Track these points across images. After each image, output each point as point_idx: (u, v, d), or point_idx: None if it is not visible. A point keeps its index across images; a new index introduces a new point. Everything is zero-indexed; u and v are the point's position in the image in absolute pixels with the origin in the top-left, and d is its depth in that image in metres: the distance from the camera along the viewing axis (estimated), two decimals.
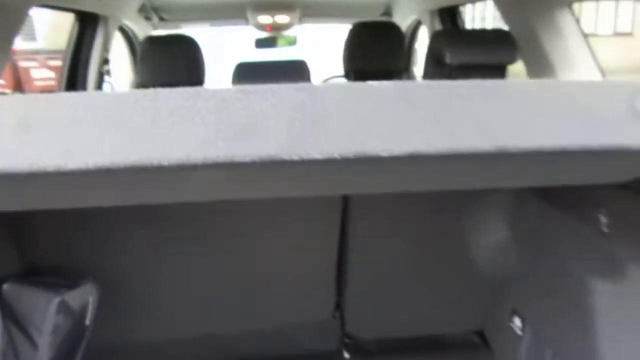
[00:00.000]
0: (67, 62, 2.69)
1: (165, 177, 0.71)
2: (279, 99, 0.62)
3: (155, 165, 0.57)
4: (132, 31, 3.41)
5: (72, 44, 2.70)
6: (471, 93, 0.66)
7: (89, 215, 1.70)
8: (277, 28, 3.71)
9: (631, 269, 1.36)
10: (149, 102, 0.60)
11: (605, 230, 1.33)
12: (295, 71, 2.12)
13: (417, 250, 1.96)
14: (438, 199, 1.84)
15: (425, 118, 0.63)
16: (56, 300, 1.41)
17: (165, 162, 0.57)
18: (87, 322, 1.59)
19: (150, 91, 0.60)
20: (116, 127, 0.57)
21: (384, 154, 0.60)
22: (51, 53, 8.60)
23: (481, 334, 2.14)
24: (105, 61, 2.70)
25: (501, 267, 1.94)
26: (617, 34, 10.96)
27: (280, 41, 3.75)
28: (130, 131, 0.58)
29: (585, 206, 1.41)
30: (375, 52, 2.62)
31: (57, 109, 0.58)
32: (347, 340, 2.12)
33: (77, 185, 0.73)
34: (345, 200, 1.88)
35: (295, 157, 0.60)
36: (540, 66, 1.94)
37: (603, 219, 1.33)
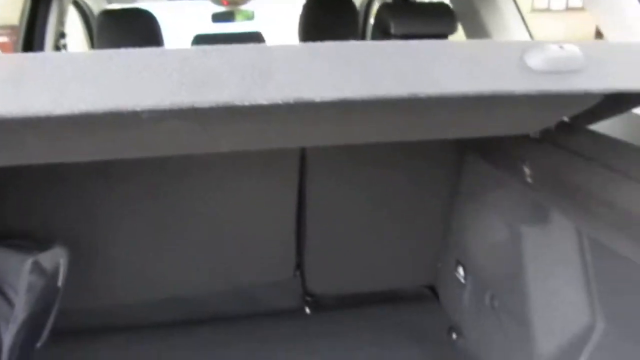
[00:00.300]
0: (22, 37, 2.68)
1: (137, 126, 0.82)
2: (233, 56, 0.75)
3: (129, 111, 0.68)
4: (86, 5, 3.40)
5: (25, 19, 2.69)
6: (393, 51, 0.80)
7: (55, 180, 1.78)
8: (234, 2, 3.76)
9: (553, 215, 1.54)
10: (122, 59, 0.71)
11: (529, 180, 1.50)
12: (251, 42, 2.23)
13: (372, 208, 2.11)
14: (389, 157, 1.98)
15: (353, 72, 0.77)
16: (29, 260, 1.50)
17: (137, 109, 0.68)
18: (59, 283, 1.68)
19: (123, 50, 0.71)
20: (93, 81, 0.68)
21: (317, 99, 0.74)
22: None
23: (432, 288, 2.31)
24: (62, 35, 2.70)
25: (446, 220, 2.11)
26: (570, 9, 11.31)
27: (238, 16, 3.79)
28: (106, 84, 0.69)
29: (512, 159, 1.58)
30: (329, 26, 2.73)
31: (41, 65, 0.69)
32: (307, 298, 2.26)
33: (53, 137, 0.83)
34: (302, 161, 2.01)
35: (246, 103, 0.72)
36: (478, 36, 2.10)
37: (527, 171, 1.50)
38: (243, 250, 2.10)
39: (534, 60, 0.81)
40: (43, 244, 1.60)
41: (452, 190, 2.07)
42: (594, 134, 1.30)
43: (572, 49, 0.83)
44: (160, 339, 2.00)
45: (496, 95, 0.80)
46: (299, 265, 2.20)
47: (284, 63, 0.75)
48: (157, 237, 2.00)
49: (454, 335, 2.02)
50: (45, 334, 1.72)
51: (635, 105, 1.17)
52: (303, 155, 2.00)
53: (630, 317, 1.25)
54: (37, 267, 1.52)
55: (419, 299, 2.30)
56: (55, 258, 1.65)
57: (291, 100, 0.73)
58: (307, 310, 2.23)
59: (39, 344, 1.70)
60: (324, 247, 2.16)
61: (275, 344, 2.01)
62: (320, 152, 1.99)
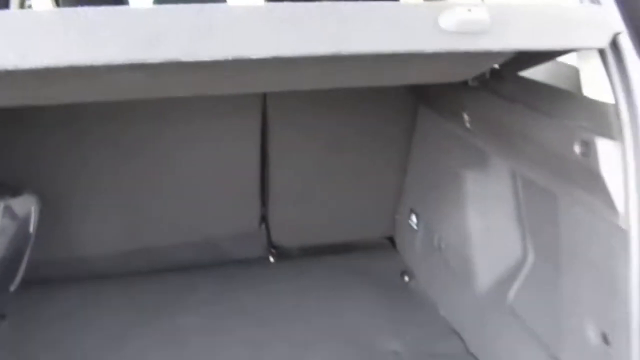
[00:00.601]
0: None
1: (96, 76, 0.92)
2: (178, 15, 0.86)
3: (88, 65, 0.79)
4: None
5: None
6: (321, 13, 0.91)
7: (26, 130, 1.85)
8: None
9: (490, 157, 1.67)
10: (83, 17, 0.81)
11: (468, 126, 1.63)
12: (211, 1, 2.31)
13: (333, 164, 2.22)
14: (348, 113, 2.09)
15: (284, 32, 0.89)
16: (1, 205, 1.58)
17: (95, 64, 0.79)
18: (31, 229, 1.76)
19: (82, 9, 0.81)
20: (56, 38, 0.79)
21: (253, 56, 0.85)
22: None
23: (392, 239, 2.45)
24: None
25: (401, 170, 2.24)
26: None
27: None
28: (68, 41, 0.80)
29: (454, 107, 1.70)
30: None
31: (7, 22, 0.79)
32: (272, 250, 2.37)
33: (19, 86, 0.93)
34: (264, 118, 2.11)
35: (191, 59, 0.84)
36: None
37: (466, 117, 1.62)
38: (210, 203, 2.19)
39: (446, 23, 0.93)
40: (15, 191, 1.68)
41: (409, 144, 2.19)
42: (523, 79, 1.42)
43: (480, 12, 0.95)
44: (131, 286, 2.09)
45: (417, 51, 0.92)
46: (264, 218, 2.31)
47: (223, 23, 0.87)
48: (127, 190, 2.09)
49: (406, 278, 2.17)
50: (18, 279, 1.80)
51: (550, 58, 1.30)
52: (264, 111, 2.10)
53: (554, 248, 1.39)
54: (8, 212, 1.60)
55: (377, 249, 2.44)
56: (27, 205, 1.72)
57: (230, 57, 0.84)
58: (272, 259, 2.35)
59: (12, 288, 1.79)
60: (287, 200, 2.27)
61: (241, 289, 2.12)
62: (281, 108, 2.09)
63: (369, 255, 2.40)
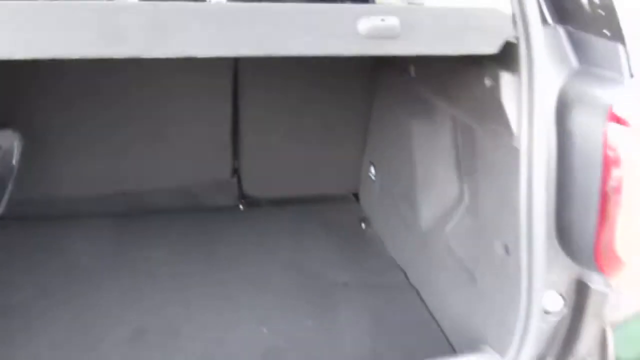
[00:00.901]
0: None
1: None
2: (137, 12, 0.98)
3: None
4: None
5: None
6: (251, 14, 1.04)
7: (7, 69, 1.98)
8: None
9: (434, 108, 1.83)
10: (49, 11, 0.94)
11: (413, 75, 1.79)
12: None
13: (303, 121, 2.37)
14: (315, 70, 2.23)
15: (226, 33, 1.02)
16: None
17: (58, 57, 0.93)
18: (14, 162, 1.92)
19: (50, 2, 0.94)
20: (23, 30, 0.93)
21: (200, 55, 1.01)
22: None
23: (356, 195, 2.62)
24: None
25: (365, 127, 2.40)
26: None
27: None
28: (34, 34, 0.94)
29: (403, 62, 1.86)
30: None
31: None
32: (243, 200, 2.53)
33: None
34: (235, 75, 2.25)
35: (147, 56, 0.99)
36: None
37: (411, 68, 1.78)
38: (186, 152, 2.33)
39: (363, 27, 1.07)
40: None
41: (370, 102, 2.35)
42: None
43: (391, 19, 1.08)
44: (106, 226, 2.23)
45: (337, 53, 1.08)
46: (236, 170, 2.47)
47: (175, 21, 1.00)
48: (107, 135, 2.22)
49: (363, 225, 2.35)
50: (2, 208, 1.96)
51: None
52: (236, 70, 2.24)
53: (476, 181, 1.56)
54: None
55: (342, 202, 2.60)
56: (10, 139, 1.88)
57: (181, 56, 0.99)
58: (241, 207, 2.51)
59: None
60: (258, 155, 2.42)
61: (210, 232, 2.28)
62: (252, 68, 2.23)
63: (333, 207, 2.56)
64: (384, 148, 2.24)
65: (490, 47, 1.16)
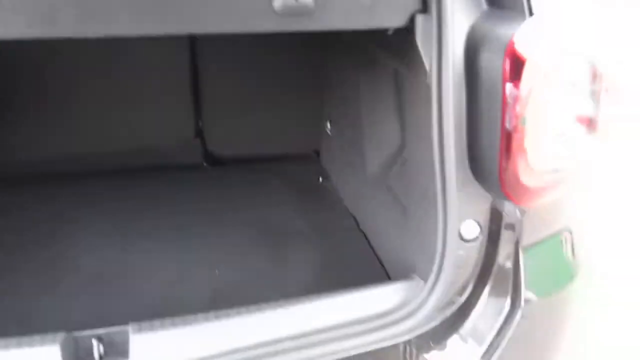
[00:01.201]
0: None
1: None
2: None
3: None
4: None
5: None
6: None
7: None
8: None
9: (373, 55, 1.88)
10: None
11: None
12: None
13: (264, 81, 2.43)
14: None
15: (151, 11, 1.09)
16: None
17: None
18: None
19: None
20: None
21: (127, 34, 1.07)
22: None
23: (318, 153, 2.70)
24: None
25: (319, 84, 2.47)
26: None
27: None
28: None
29: None
30: None
31: None
32: (207, 158, 2.61)
33: None
34: (193, 38, 2.30)
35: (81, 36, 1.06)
36: None
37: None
38: (148, 112, 2.39)
39: (278, 5, 1.12)
40: None
41: (320, 57, 2.40)
42: None
43: None
44: (68, 185, 2.29)
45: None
46: (200, 130, 2.53)
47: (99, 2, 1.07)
48: (66, 95, 2.27)
49: (321, 179, 2.45)
50: None
51: None
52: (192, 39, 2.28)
53: (412, 126, 1.64)
54: None
55: (304, 159, 2.69)
56: None
57: (109, 36, 1.07)
58: (205, 164, 2.59)
59: None
60: (221, 114, 2.49)
61: (174, 186, 2.37)
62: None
63: (295, 164, 2.64)
64: (337, 103, 2.32)
65: (400, 20, 1.25)
